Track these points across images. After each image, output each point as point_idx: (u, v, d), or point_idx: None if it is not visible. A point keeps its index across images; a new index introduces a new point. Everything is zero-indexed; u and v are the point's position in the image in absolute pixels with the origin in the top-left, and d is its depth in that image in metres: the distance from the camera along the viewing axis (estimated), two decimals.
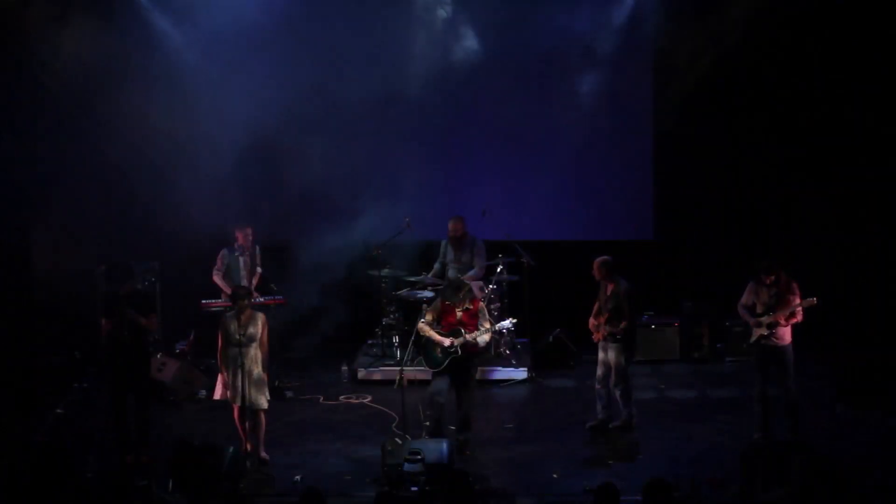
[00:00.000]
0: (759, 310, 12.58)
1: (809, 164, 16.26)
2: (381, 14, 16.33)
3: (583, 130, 16.74)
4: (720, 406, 14.19)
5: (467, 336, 12.47)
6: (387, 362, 15.54)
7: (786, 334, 12.53)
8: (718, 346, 16.35)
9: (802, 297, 12.43)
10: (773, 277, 12.50)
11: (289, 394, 14.73)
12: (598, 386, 13.40)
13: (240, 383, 12.09)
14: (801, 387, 12.96)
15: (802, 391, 12.94)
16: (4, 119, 15.07)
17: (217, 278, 14.93)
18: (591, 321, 13.28)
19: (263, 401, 12.23)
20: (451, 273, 15.35)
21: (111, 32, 15.69)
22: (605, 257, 13.36)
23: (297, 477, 11.84)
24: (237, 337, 12.09)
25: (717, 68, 15.98)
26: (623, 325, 13.15)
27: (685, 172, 16.69)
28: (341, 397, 14.83)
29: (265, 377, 12.28)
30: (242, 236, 15.02)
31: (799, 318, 12.47)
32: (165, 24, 16.17)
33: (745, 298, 12.72)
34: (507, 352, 15.82)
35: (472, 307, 12.69)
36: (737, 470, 11.55)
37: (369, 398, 14.68)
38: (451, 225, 15.53)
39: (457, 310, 12.64)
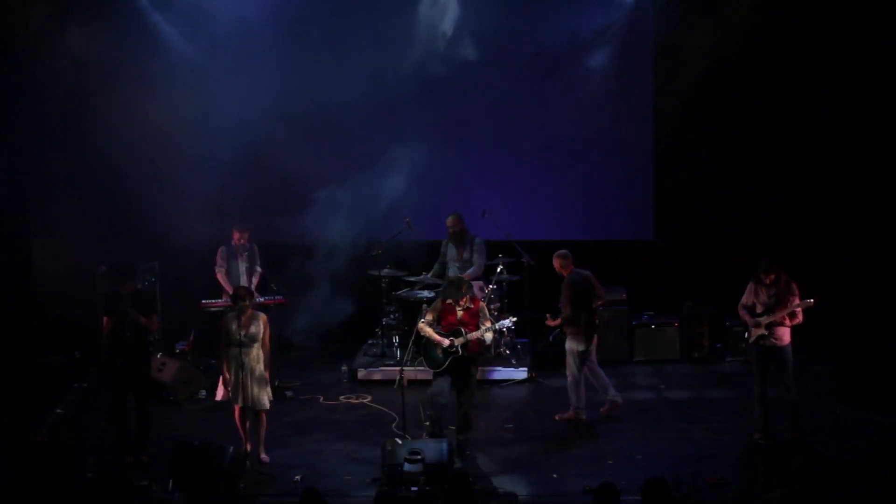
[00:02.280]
0: (758, 310, 12.59)
1: (810, 164, 16.26)
2: (379, 14, 16.32)
3: (583, 130, 16.75)
4: (720, 406, 14.18)
5: (467, 336, 12.47)
6: (387, 362, 15.54)
7: (785, 335, 12.54)
8: (718, 346, 16.34)
9: (802, 298, 12.44)
10: (772, 277, 12.51)
11: (289, 394, 14.72)
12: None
13: (241, 383, 12.11)
14: (801, 387, 12.96)
15: (802, 391, 12.93)
16: (4, 119, 15.06)
17: (220, 276, 14.92)
18: None
19: (265, 401, 12.23)
20: (451, 272, 15.33)
21: (111, 33, 15.68)
22: (561, 251, 13.70)
23: (297, 477, 11.84)
24: (238, 337, 12.10)
25: (718, 68, 15.96)
26: (558, 319, 13.54)
27: (685, 172, 16.74)
28: (341, 397, 14.82)
29: (267, 377, 12.28)
30: (239, 235, 15.02)
31: (800, 318, 12.48)
32: (165, 25, 16.16)
33: (745, 299, 12.73)
34: (507, 352, 15.82)
35: (472, 307, 12.69)
36: (737, 470, 11.60)
37: (369, 398, 14.67)
38: (449, 221, 15.52)
39: (457, 309, 12.65)
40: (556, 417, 13.69)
